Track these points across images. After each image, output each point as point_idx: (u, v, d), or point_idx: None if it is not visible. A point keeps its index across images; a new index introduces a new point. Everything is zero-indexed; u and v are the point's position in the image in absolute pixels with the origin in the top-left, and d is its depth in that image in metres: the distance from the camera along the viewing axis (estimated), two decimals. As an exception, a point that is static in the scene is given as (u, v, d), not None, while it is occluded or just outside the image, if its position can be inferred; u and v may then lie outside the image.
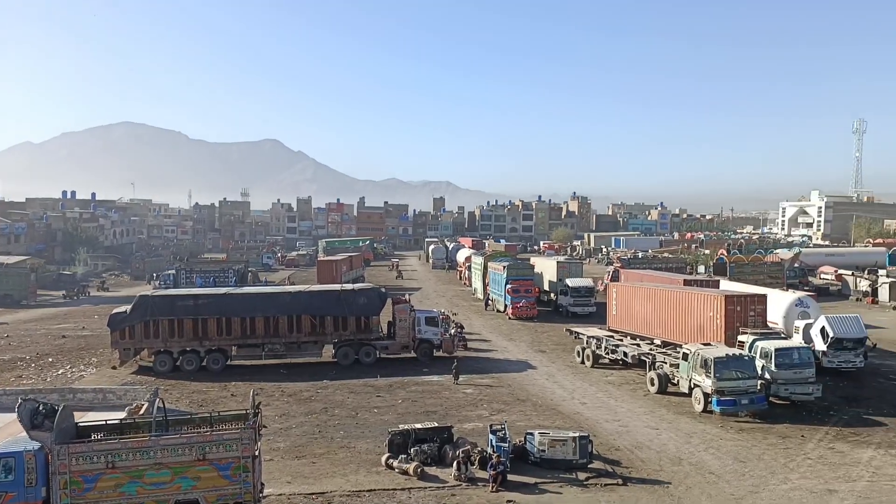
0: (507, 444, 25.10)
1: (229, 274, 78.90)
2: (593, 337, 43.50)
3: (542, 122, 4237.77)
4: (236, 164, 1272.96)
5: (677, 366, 35.00)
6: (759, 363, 33.15)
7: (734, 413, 31.55)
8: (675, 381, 35.25)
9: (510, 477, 24.19)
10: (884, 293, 68.34)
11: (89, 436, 20.63)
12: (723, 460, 26.41)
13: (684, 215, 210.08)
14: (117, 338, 42.33)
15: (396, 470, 25.08)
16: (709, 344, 34.98)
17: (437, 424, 27.88)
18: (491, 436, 25.60)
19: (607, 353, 41.85)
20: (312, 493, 23.40)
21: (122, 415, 26.31)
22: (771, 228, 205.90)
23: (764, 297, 40.73)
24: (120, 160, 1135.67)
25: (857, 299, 70.85)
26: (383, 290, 47.29)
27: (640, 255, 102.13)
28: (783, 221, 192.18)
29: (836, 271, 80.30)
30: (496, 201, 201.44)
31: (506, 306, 61.73)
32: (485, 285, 69.96)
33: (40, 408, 19.43)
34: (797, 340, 38.73)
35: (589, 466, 25.40)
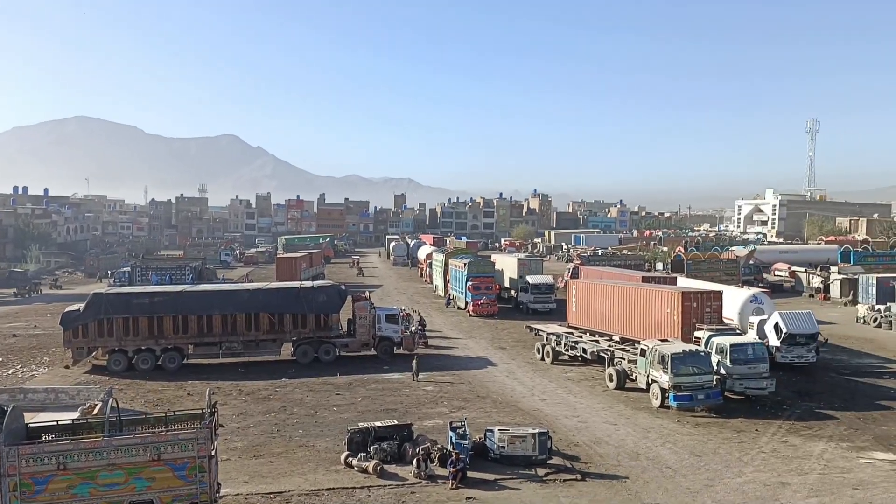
0: (466, 441, 25.16)
1: (186, 271, 77.88)
2: (553, 334, 43.75)
3: (507, 119, 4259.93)
4: (194, 159, 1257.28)
5: (635, 362, 35.37)
6: (714, 359, 33.64)
7: (691, 408, 32.01)
8: (634, 377, 35.63)
9: (470, 474, 24.24)
10: (835, 290, 69.82)
11: (40, 437, 20.22)
12: (679, 455, 26.75)
13: (643, 213, 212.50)
14: (70, 336, 41.52)
15: (356, 468, 24.96)
16: (666, 340, 35.43)
17: (396, 422, 27.81)
18: (451, 433, 25.63)
19: (567, 350, 42.11)
20: (270, 493, 23.18)
21: (74, 415, 25.88)
22: (727, 226, 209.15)
23: (720, 293, 41.34)
24: (74, 155, 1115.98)
25: (809, 296, 72.34)
26: (343, 287, 47.09)
27: (599, 252, 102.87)
28: (739, 219, 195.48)
29: (789, 268, 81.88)
30: (458, 199, 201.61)
31: (466, 303, 61.83)
32: (446, 282, 70.01)
33: (-11, 409, 18.98)
34: (752, 336, 39.34)
35: (548, 462, 25.58)
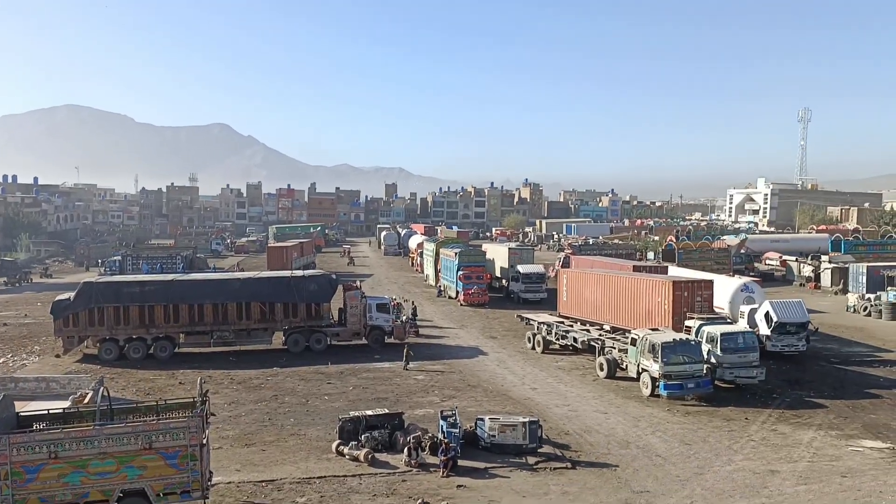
0: (457, 430, 25.22)
1: (177, 260, 77.73)
2: (544, 323, 43.85)
3: (497, 108, 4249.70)
4: (184, 148, 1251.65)
5: (626, 351, 35.49)
6: (705, 348, 33.79)
7: (681, 397, 32.15)
8: (624, 366, 35.76)
9: (461, 462, 24.33)
10: (826, 279, 70.11)
11: (31, 426, 20.20)
12: (669, 443, 26.89)
13: (634, 202, 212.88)
14: (61, 325, 41.41)
15: (347, 457, 25.02)
16: (657, 329, 35.52)
17: (387, 411, 27.89)
18: (442, 422, 25.70)
19: (557, 339, 42.23)
20: (262, 481, 23.24)
21: (65, 404, 25.82)
22: (719, 215, 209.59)
23: (711, 282, 41.47)
24: (63, 144, 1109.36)
25: (800, 284, 72.62)
26: (334, 276, 47.04)
27: (590, 241, 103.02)
28: (730, 208, 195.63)
29: (780, 257, 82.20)
30: (449, 188, 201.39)
31: (457, 293, 61.87)
32: (437, 272, 70.00)
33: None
34: (742, 325, 39.52)
35: (538, 451, 25.68)
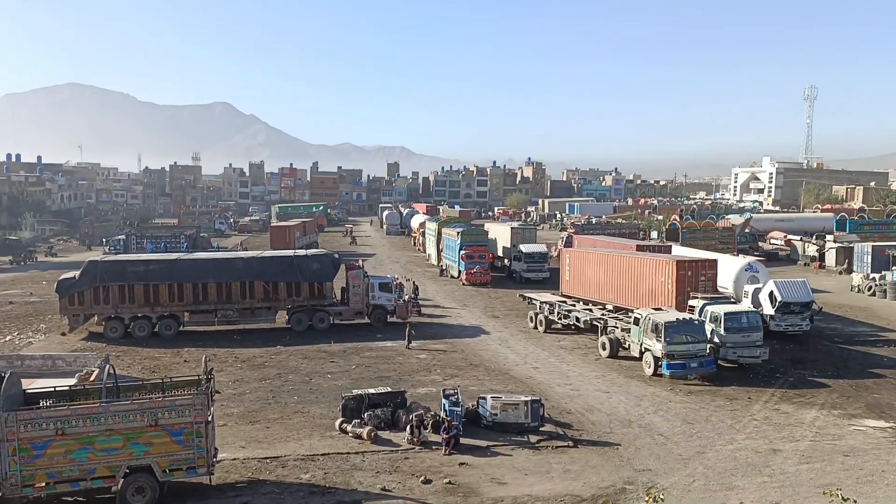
0: (459, 409, 25.34)
1: (181, 239, 77.86)
2: (546, 302, 43.88)
3: (500, 87, 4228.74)
4: (187, 127, 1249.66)
5: (628, 330, 35.52)
6: (708, 327, 33.80)
7: (684, 376, 32.19)
8: (627, 346, 35.81)
9: (463, 440, 24.45)
10: (830, 258, 69.90)
11: (38, 403, 20.37)
12: (671, 422, 26.99)
13: (638, 181, 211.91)
14: (66, 304, 41.61)
15: (350, 434, 25.18)
16: (660, 309, 35.52)
17: (390, 389, 28.04)
18: (444, 400, 25.81)
19: (560, 319, 42.28)
20: (267, 458, 23.41)
21: (72, 381, 25.99)
22: (723, 194, 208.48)
23: (714, 262, 41.44)
24: (66, 122, 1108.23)
25: (804, 264, 72.36)
26: (337, 255, 47.08)
27: (593, 220, 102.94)
28: (735, 187, 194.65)
29: (785, 237, 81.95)
30: (451, 167, 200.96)
31: (460, 272, 61.90)
32: (439, 251, 69.98)
33: (-15, 375, 19.09)
34: (746, 305, 39.48)
35: (540, 429, 25.78)
